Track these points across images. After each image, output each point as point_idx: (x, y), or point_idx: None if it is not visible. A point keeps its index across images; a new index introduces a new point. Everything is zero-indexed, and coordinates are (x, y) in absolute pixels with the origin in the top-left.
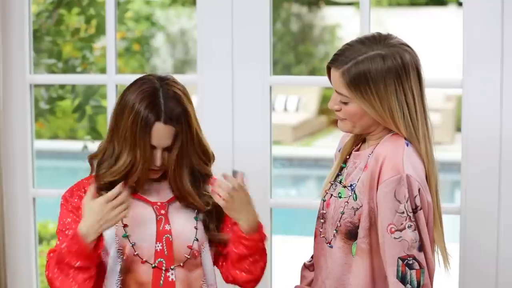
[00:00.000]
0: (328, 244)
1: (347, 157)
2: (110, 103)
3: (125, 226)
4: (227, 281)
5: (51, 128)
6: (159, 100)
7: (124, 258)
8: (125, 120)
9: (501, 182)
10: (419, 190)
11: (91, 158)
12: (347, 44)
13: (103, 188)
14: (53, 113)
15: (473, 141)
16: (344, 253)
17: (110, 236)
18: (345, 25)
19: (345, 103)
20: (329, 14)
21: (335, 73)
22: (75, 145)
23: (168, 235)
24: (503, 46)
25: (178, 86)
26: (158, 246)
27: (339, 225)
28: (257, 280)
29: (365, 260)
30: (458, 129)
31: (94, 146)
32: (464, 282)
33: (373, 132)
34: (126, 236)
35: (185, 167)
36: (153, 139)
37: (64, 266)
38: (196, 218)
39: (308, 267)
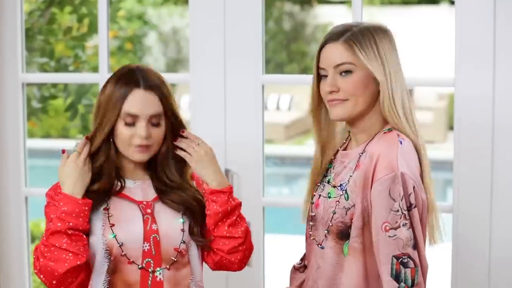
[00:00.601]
0: (319, 246)
1: (333, 157)
2: None
3: (112, 226)
4: (214, 267)
5: (43, 127)
6: (135, 74)
7: (112, 258)
8: (102, 103)
9: (493, 180)
10: (413, 188)
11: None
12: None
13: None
14: (46, 112)
15: (466, 139)
16: (335, 253)
17: (97, 236)
18: (338, 24)
19: (348, 73)
20: (321, 13)
21: (334, 45)
22: (67, 144)
23: (156, 235)
24: (495, 44)
25: (155, 71)
26: (145, 246)
27: (330, 225)
28: (242, 245)
29: (358, 259)
30: (451, 127)
31: None
32: (456, 280)
33: (362, 121)
34: (114, 237)
35: (171, 152)
36: (133, 107)
37: (56, 239)
38: (182, 220)
39: (298, 269)
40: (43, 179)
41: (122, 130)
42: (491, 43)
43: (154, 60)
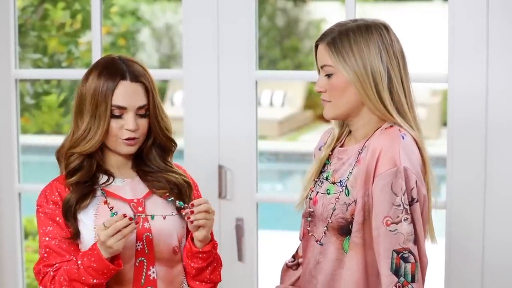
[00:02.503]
0: (318, 242)
1: (330, 153)
2: None
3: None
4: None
5: (36, 123)
6: (119, 65)
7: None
8: (86, 96)
9: (486, 176)
10: (416, 182)
11: (58, 152)
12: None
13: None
14: (39, 108)
15: (459, 135)
16: (336, 249)
17: (88, 237)
18: (331, 20)
19: (330, 76)
20: (314, 9)
21: (320, 47)
22: (60, 140)
23: (148, 233)
24: (488, 40)
25: (137, 60)
26: (138, 245)
27: (330, 221)
28: (217, 285)
29: (358, 254)
30: (444, 123)
31: None
32: (449, 276)
33: (357, 118)
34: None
35: (154, 140)
36: (122, 99)
37: (78, 284)
38: (181, 204)
39: (291, 267)
40: (37, 175)
41: (110, 124)
42: (484, 39)
43: (147, 56)
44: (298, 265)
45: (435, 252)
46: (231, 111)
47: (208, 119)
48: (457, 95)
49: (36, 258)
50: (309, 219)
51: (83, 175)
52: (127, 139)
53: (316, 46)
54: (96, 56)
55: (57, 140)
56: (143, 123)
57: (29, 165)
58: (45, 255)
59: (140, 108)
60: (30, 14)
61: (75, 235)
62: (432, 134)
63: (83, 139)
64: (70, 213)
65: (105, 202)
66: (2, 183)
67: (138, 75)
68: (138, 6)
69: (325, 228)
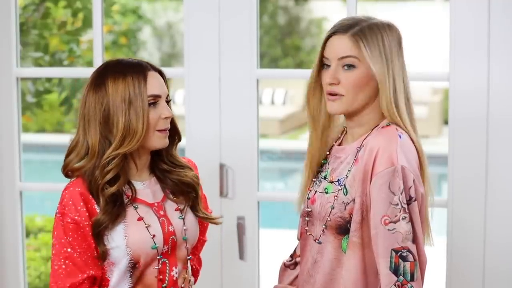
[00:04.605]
0: (316, 241)
1: (328, 153)
2: None
3: (153, 236)
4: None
5: (38, 122)
6: (140, 62)
7: (137, 266)
8: (115, 101)
9: (488, 175)
10: (413, 181)
11: (67, 168)
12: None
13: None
14: (40, 107)
15: (460, 134)
16: (334, 248)
17: (120, 248)
18: (332, 18)
19: (351, 68)
20: (316, 7)
21: (341, 37)
22: (62, 139)
23: (173, 237)
24: (489, 39)
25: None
26: (164, 248)
27: (328, 220)
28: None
29: (357, 253)
30: (445, 122)
31: None
32: (451, 275)
33: (359, 116)
34: (155, 248)
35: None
36: (155, 88)
37: None
38: (181, 217)
39: (289, 266)
40: (38, 174)
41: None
42: (485, 37)
43: (148, 54)
44: (296, 264)
45: (436, 251)
46: (232, 110)
47: (209, 118)
48: (459, 93)
49: (37, 257)
50: (307, 218)
51: (122, 183)
52: (164, 130)
53: (328, 37)
54: (98, 54)
55: (58, 139)
56: (171, 111)
57: (30, 163)
58: (63, 266)
59: (168, 96)
60: (32, 12)
61: (103, 255)
62: (433, 132)
63: (124, 137)
64: (101, 234)
65: (139, 219)
66: (3, 181)
67: (156, 66)
68: (139, 4)
69: (323, 227)
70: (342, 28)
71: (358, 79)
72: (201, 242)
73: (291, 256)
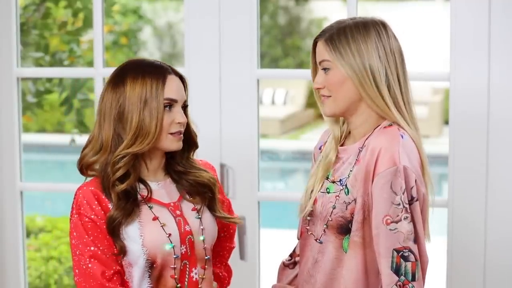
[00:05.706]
0: (317, 241)
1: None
2: (98, 96)
3: (169, 235)
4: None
5: (38, 122)
6: (161, 64)
7: (155, 266)
8: (131, 100)
9: (488, 174)
10: (415, 181)
11: (82, 161)
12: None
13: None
14: (41, 107)
15: (461, 134)
16: (335, 248)
17: (134, 247)
18: (332, 18)
19: (327, 70)
20: (316, 7)
21: (319, 43)
22: (62, 139)
23: (190, 236)
24: (490, 39)
25: None
26: (182, 248)
27: (329, 219)
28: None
29: (358, 253)
30: (446, 122)
31: (81, 139)
32: (451, 275)
33: (356, 116)
34: (172, 247)
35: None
36: (172, 92)
37: None
38: (197, 217)
39: (288, 265)
40: (38, 174)
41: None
42: (486, 37)
43: (149, 54)
44: (295, 263)
45: (436, 251)
46: (233, 110)
47: (210, 118)
48: (459, 93)
49: (37, 257)
50: (308, 218)
51: (132, 181)
52: (177, 133)
53: (315, 44)
54: (98, 54)
55: (59, 139)
56: (185, 117)
57: (31, 163)
58: (90, 265)
59: (185, 101)
60: (32, 12)
61: (121, 251)
62: (434, 132)
63: (136, 136)
64: (116, 231)
65: (155, 218)
66: (4, 181)
67: (177, 71)
68: (139, 4)
69: (325, 226)
70: (321, 33)
71: (334, 80)
72: (228, 249)
73: (290, 255)
